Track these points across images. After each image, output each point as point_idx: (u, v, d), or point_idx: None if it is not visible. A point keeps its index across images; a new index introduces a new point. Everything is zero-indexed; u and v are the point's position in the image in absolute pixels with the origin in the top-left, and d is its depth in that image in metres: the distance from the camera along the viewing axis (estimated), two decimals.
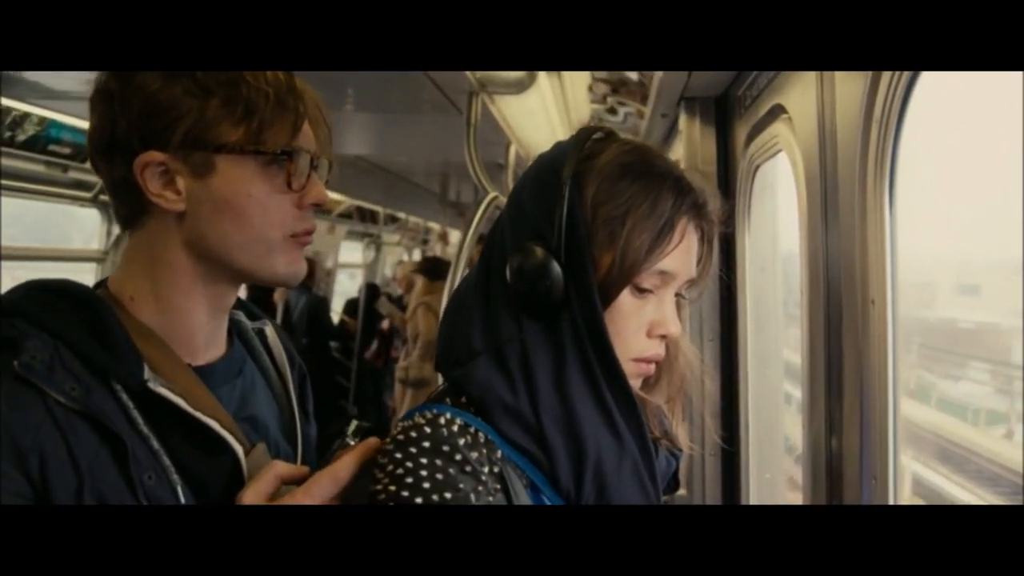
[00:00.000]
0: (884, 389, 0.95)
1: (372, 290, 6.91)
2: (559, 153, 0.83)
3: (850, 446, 1.04)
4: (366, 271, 7.92)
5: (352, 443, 0.82)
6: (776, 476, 1.78)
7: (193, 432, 0.79)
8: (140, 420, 0.76)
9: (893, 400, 0.95)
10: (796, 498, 1.53)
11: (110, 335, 0.77)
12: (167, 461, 0.77)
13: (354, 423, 0.85)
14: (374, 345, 6.41)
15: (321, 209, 0.89)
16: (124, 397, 0.76)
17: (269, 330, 1.00)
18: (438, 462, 0.74)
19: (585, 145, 0.83)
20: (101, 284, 0.88)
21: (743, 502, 1.77)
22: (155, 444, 0.77)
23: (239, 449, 0.81)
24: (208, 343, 0.88)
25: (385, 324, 6.21)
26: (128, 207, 0.84)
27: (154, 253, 0.84)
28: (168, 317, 0.84)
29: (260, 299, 4.88)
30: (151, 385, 0.77)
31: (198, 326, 0.86)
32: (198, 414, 0.79)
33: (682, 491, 1.89)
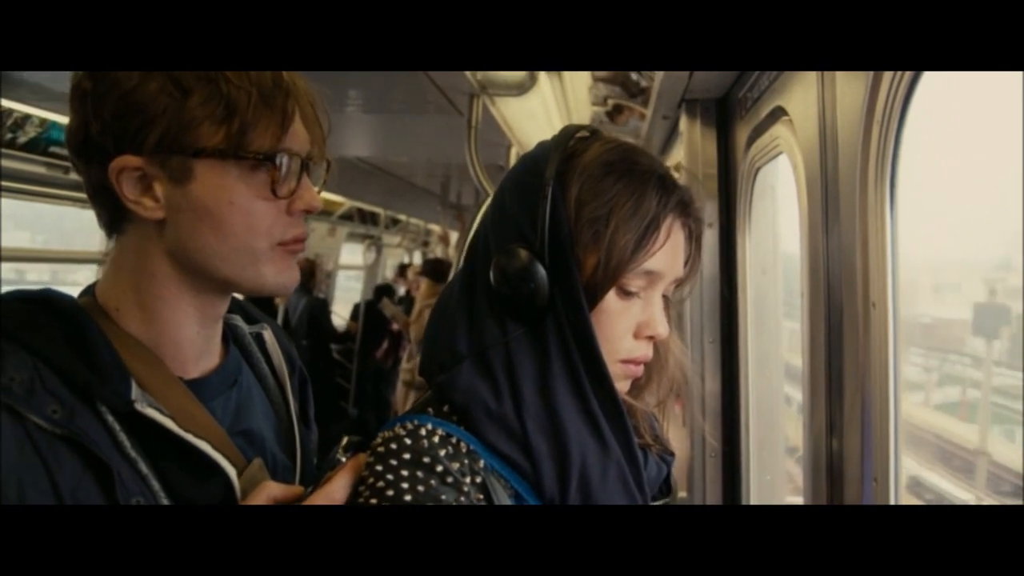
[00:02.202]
0: (885, 391, 0.95)
1: (383, 292, 6.93)
2: (541, 152, 0.81)
3: (851, 448, 1.04)
4: (367, 273, 7.93)
5: (344, 460, 0.78)
6: (776, 477, 1.78)
7: (183, 454, 0.75)
8: (127, 443, 0.72)
9: (894, 402, 0.94)
10: (797, 500, 1.53)
11: (95, 352, 0.73)
12: (156, 485, 0.73)
13: (345, 439, 0.81)
14: (385, 344, 6.44)
15: (312, 213, 0.84)
16: (110, 418, 0.72)
17: (268, 334, 0.96)
18: (419, 474, 0.72)
19: (568, 144, 0.81)
20: (89, 290, 0.83)
21: (744, 503, 1.77)
22: (143, 468, 0.73)
23: (231, 472, 0.77)
24: (200, 354, 0.84)
25: (395, 325, 6.23)
26: (108, 212, 0.79)
27: (137, 262, 0.79)
28: (155, 329, 0.80)
29: (261, 300, 4.88)
30: (138, 406, 0.72)
31: (188, 337, 0.82)
32: (188, 436, 0.75)
33: (683, 493, 1.89)
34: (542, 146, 0.83)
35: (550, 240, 0.77)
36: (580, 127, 0.84)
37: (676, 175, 0.84)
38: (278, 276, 0.81)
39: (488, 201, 2.61)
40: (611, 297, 0.78)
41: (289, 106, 0.78)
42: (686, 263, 0.84)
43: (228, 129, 0.75)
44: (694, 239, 0.85)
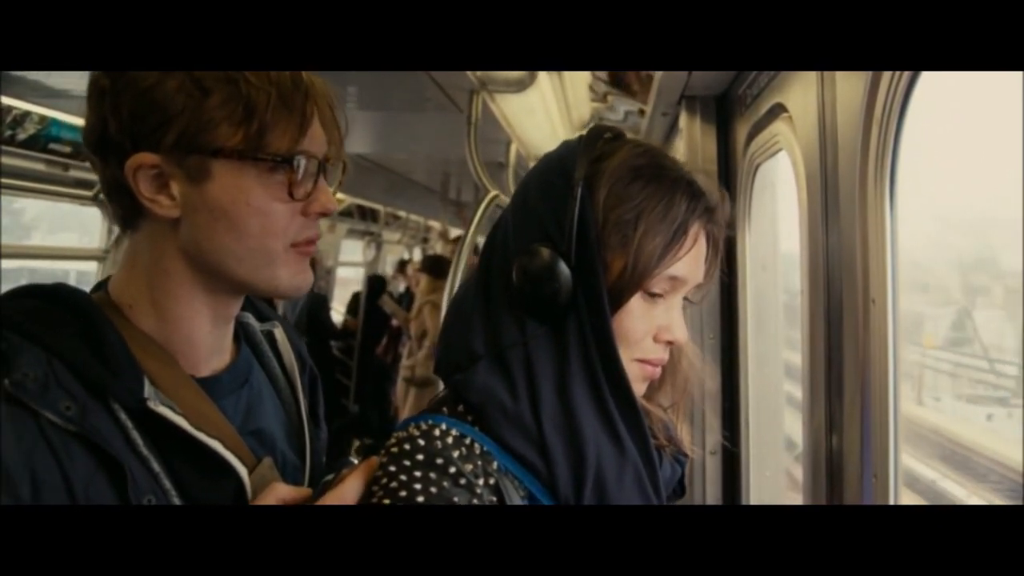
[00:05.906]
0: (885, 388, 0.95)
1: (376, 283, 6.90)
2: (568, 153, 0.81)
3: (851, 445, 1.04)
4: (366, 270, 7.93)
5: (355, 463, 0.78)
6: (777, 475, 1.78)
7: (196, 453, 0.75)
8: (139, 441, 0.72)
9: (894, 399, 0.94)
10: (796, 497, 1.53)
11: (108, 349, 0.73)
12: (168, 483, 0.73)
13: (357, 442, 0.82)
14: (384, 340, 6.44)
15: (327, 216, 0.83)
16: (123, 416, 0.72)
17: (279, 332, 0.96)
18: (432, 475, 0.72)
19: (596, 146, 0.81)
20: (102, 285, 0.83)
21: (743, 501, 1.77)
22: (155, 466, 0.73)
23: (243, 471, 0.78)
24: (212, 352, 0.84)
25: (395, 321, 6.23)
26: (123, 209, 0.79)
27: (152, 259, 0.79)
28: (168, 326, 0.80)
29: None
30: (151, 404, 0.73)
31: (200, 336, 0.82)
32: (200, 435, 0.75)
33: None
34: (568, 146, 0.82)
35: (577, 241, 0.76)
36: (606, 128, 0.84)
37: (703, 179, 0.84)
38: (293, 278, 0.81)
39: (486, 197, 2.60)
40: (634, 300, 0.79)
41: (308, 108, 0.78)
42: (706, 268, 0.85)
43: (247, 130, 0.75)
44: (714, 244, 0.85)
